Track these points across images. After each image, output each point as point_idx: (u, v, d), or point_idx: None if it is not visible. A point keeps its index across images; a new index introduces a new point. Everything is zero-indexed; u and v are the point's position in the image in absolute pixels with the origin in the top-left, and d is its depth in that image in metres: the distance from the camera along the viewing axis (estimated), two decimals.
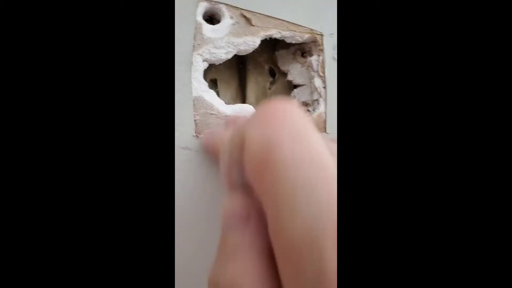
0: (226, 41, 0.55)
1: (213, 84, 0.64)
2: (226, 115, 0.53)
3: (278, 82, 0.68)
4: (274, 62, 0.68)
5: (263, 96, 0.68)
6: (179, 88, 0.50)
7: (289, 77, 0.64)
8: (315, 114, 0.57)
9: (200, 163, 0.51)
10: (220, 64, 0.61)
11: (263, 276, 0.26)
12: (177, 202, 0.49)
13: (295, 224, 0.23)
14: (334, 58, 0.58)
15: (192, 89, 0.51)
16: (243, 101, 0.67)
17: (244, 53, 0.57)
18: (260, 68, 0.67)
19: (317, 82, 0.58)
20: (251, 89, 0.66)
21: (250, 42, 0.56)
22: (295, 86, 0.64)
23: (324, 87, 0.57)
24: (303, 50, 0.63)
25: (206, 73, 0.60)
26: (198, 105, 0.52)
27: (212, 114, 0.52)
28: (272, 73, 0.68)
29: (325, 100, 0.57)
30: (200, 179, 0.51)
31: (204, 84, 0.54)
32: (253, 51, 0.60)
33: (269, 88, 0.68)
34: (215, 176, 0.51)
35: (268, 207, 0.26)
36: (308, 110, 0.60)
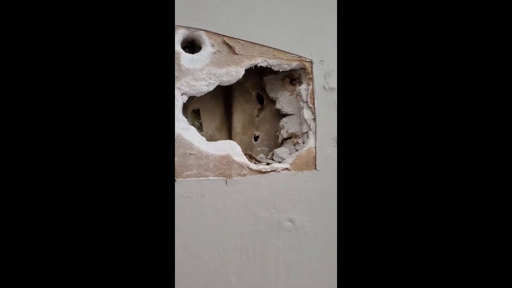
0: (207, 72, 0.50)
1: (195, 114, 0.60)
2: (207, 155, 0.49)
3: (267, 109, 0.63)
4: (262, 87, 0.63)
5: (250, 125, 0.64)
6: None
7: (278, 106, 0.60)
8: (304, 149, 0.52)
9: (180, 210, 0.47)
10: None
11: None
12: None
13: None
14: (325, 88, 0.53)
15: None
16: (229, 130, 0.63)
17: (227, 84, 0.52)
18: (247, 94, 0.63)
19: (306, 113, 0.54)
20: (238, 118, 0.62)
21: (233, 73, 0.51)
22: (284, 115, 0.60)
23: (314, 119, 0.53)
24: (291, 76, 0.58)
25: (187, 103, 0.55)
26: (177, 144, 0.48)
27: (192, 154, 0.48)
28: (260, 99, 0.64)
29: (315, 133, 0.53)
30: (178, 227, 0.47)
31: (183, 121, 0.49)
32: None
33: (257, 116, 0.64)
34: (192, 222, 0.47)
35: None
36: (298, 143, 0.56)
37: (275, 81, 0.61)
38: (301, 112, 0.55)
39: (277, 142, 0.61)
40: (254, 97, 0.63)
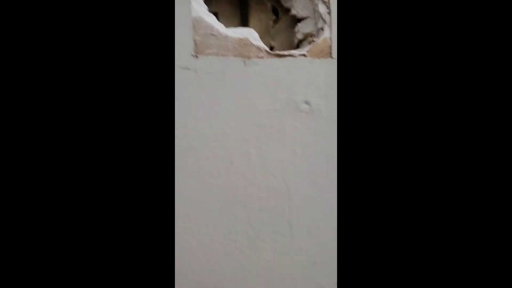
0: None
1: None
2: (227, 36, 0.51)
3: (282, 20, 0.66)
4: (277, 0, 0.66)
5: (265, 34, 0.66)
6: (178, 9, 0.49)
7: (293, 12, 0.62)
8: (320, 39, 0.54)
9: (200, 83, 0.49)
10: None
11: None
12: (177, 123, 0.47)
13: None
14: None
15: (191, 10, 0.50)
16: None
17: None
18: (263, 5, 0.65)
19: (321, 8, 0.56)
20: (253, 26, 0.64)
21: None
22: (299, 21, 0.62)
23: (329, 13, 0.55)
24: None
25: (206, 4, 0.58)
26: (198, 25, 0.50)
27: (212, 35, 0.51)
28: (275, 12, 0.66)
29: (330, 25, 0.55)
30: (200, 99, 0.49)
31: (205, 7, 0.52)
32: None
33: (272, 27, 0.66)
34: (215, 96, 0.49)
35: None
36: (313, 41, 0.58)
37: None
38: (316, 8, 0.57)
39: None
40: (269, 8, 0.65)
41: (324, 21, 0.55)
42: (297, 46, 0.62)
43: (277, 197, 0.50)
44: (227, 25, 0.63)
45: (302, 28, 0.61)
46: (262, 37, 0.65)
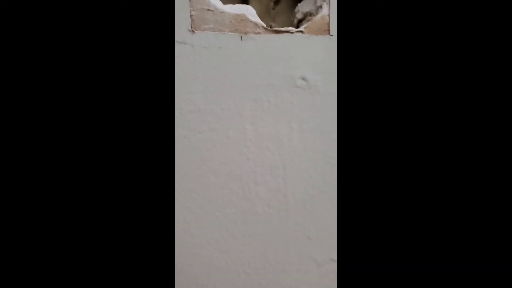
0: None
1: None
2: (224, 12, 0.51)
3: (283, 1, 0.66)
4: None
5: (266, 15, 0.66)
6: None
7: None
8: (318, 16, 0.54)
9: (196, 58, 0.49)
10: None
11: None
12: (176, 98, 0.48)
13: None
14: None
15: None
16: None
17: None
18: None
19: None
20: (253, 7, 0.64)
21: None
22: (300, 1, 0.62)
23: None
24: None
25: None
26: (195, 1, 0.51)
27: (209, 10, 0.51)
28: None
29: (329, 3, 0.54)
30: (196, 73, 0.49)
31: None
32: None
33: (273, 8, 0.66)
34: (211, 71, 0.49)
35: None
36: (312, 19, 0.58)
37: None
38: None
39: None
40: None
41: None
42: (297, 26, 0.62)
43: (272, 172, 0.50)
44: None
45: (302, 8, 0.60)
46: (262, 18, 0.65)
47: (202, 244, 0.49)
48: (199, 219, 0.49)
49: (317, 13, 0.58)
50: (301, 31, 0.53)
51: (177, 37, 0.48)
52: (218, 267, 0.50)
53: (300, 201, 0.50)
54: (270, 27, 0.66)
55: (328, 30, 0.54)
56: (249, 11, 0.53)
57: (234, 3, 0.63)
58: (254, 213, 0.50)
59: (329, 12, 0.54)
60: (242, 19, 0.52)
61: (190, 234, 0.49)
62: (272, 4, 0.65)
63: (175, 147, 0.48)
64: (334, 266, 0.52)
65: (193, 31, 0.49)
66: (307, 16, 0.60)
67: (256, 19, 0.52)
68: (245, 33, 0.51)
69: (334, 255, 0.52)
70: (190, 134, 0.49)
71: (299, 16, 0.61)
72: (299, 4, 0.62)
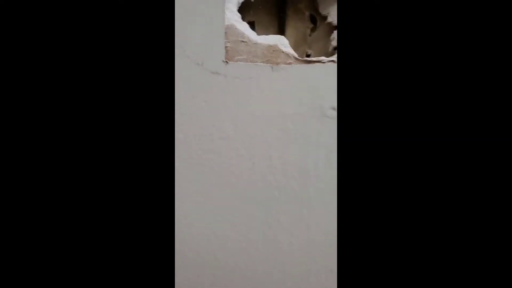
0: None
1: (250, 26, 0.65)
2: (256, 43, 0.53)
3: (320, 28, 0.66)
4: (315, 8, 0.67)
5: (302, 42, 0.67)
6: (211, 18, 0.52)
7: (329, 19, 0.62)
8: None
9: (228, 87, 0.52)
10: (259, 7, 0.63)
11: None
12: (204, 123, 0.50)
13: None
14: None
15: (224, 19, 0.53)
16: None
17: None
18: (301, 14, 0.67)
19: None
20: (290, 35, 0.66)
21: None
22: (336, 28, 0.62)
23: None
24: None
25: (244, 15, 0.61)
26: (230, 33, 0.53)
27: (242, 41, 0.53)
28: (313, 20, 0.67)
29: None
30: (227, 102, 0.51)
31: (237, 15, 0.55)
32: None
33: (310, 35, 0.67)
34: (241, 100, 0.51)
35: None
36: None
37: None
38: None
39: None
40: (307, 17, 0.66)
41: None
42: (332, 53, 0.62)
43: (297, 201, 0.50)
44: (263, 34, 0.65)
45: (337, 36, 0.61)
46: (298, 46, 0.66)
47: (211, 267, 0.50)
48: (216, 241, 0.50)
49: None
50: (332, 61, 0.53)
51: (211, 68, 0.51)
52: None
53: (323, 233, 0.50)
54: (307, 55, 0.67)
55: None
56: (282, 42, 0.54)
57: (272, 33, 0.66)
58: (275, 240, 0.50)
59: None
60: (275, 49, 0.53)
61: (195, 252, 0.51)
62: (309, 31, 0.66)
63: (199, 170, 0.50)
64: None
65: (226, 62, 0.52)
66: None
67: (288, 49, 0.54)
68: (277, 63, 0.53)
69: None
70: (218, 159, 0.51)
71: (334, 43, 0.61)
72: (334, 32, 0.62)
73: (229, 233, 0.50)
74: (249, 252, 0.50)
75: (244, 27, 0.55)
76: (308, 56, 0.66)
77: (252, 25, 0.65)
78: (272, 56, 0.53)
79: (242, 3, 0.58)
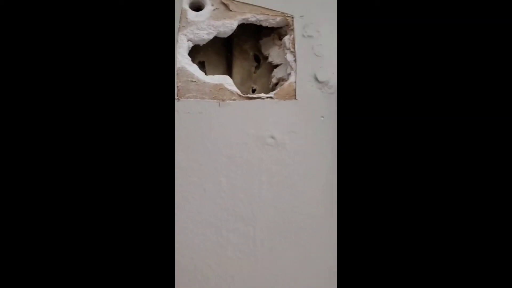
0: (207, 24, 0.64)
1: (201, 66, 0.73)
2: (205, 82, 0.61)
3: (263, 66, 0.75)
4: (258, 49, 0.76)
5: (248, 79, 0.75)
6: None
7: (270, 59, 0.71)
8: (286, 83, 0.63)
9: (180, 122, 0.58)
10: (209, 49, 0.71)
11: None
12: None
13: None
14: (303, 36, 0.65)
15: (175, 62, 0.60)
16: None
17: (224, 35, 0.66)
18: (246, 54, 0.76)
19: (289, 57, 0.65)
20: (237, 72, 0.74)
21: (228, 25, 0.64)
22: (275, 67, 0.71)
23: (295, 61, 0.64)
24: (280, 34, 0.71)
25: (194, 56, 0.69)
26: (181, 74, 0.60)
27: (192, 81, 0.61)
28: (257, 59, 0.76)
29: (295, 71, 0.63)
30: (179, 135, 0.58)
31: (188, 59, 0.63)
32: (239, 39, 0.69)
33: (254, 72, 0.76)
34: (192, 132, 0.58)
35: None
36: (283, 82, 0.67)
37: (268, 41, 0.73)
38: (285, 56, 0.66)
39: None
40: (251, 57, 0.75)
41: (291, 67, 0.64)
42: (272, 89, 0.71)
43: (244, 221, 0.57)
44: (213, 72, 0.73)
45: (277, 73, 0.70)
46: (245, 82, 0.75)
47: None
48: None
49: (288, 79, 0.67)
50: (270, 97, 0.62)
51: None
52: None
53: (268, 248, 0.56)
54: (252, 90, 0.75)
55: (295, 95, 0.62)
56: (227, 81, 0.62)
57: (220, 71, 0.74)
58: (226, 256, 0.56)
59: (296, 79, 0.63)
60: (220, 88, 0.61)
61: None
62: (253, 69, 0.75)
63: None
64: None
65: (178, 99, 0.59)
66: (280, 81, 0.69)
67: (232, 87, 0.61)
68: (223, 100, 0.60)
69: None
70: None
71: (274, 80, 0.70)
72: (274, 70, 0.72)
73: (181, 252, 0.55)
74: (202, 268, 0.55)
75: (193, 68, 0.62)
76: (253, 91, 0.74)
77: (202, 65, 0.72)
78: (218, 93, 0.61)
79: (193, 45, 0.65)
